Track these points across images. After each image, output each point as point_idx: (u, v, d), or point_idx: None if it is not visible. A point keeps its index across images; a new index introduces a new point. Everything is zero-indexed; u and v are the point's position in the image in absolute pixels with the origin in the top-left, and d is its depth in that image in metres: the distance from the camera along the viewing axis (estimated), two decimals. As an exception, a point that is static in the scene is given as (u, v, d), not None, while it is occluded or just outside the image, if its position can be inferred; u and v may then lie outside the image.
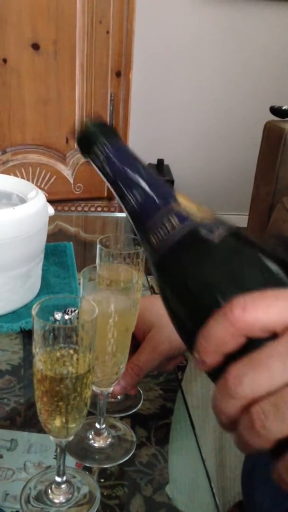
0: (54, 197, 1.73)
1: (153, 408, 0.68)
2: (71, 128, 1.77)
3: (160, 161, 2.70)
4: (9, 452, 0.59)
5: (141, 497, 0.55)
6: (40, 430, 0.50)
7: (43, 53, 1.68)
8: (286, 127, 1.83)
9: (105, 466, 0.58)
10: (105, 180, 0.44)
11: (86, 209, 1.87)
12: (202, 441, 0.62)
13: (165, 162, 2.72)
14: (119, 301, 0.53)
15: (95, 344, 0.48)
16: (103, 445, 0.60)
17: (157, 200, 0.41)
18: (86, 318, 0.48)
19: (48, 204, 0.86)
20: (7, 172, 1.73)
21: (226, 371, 0.33)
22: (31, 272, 0.83)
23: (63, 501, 0.52)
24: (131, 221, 0.43)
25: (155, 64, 2.60)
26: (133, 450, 0.60)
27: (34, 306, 0.46)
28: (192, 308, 0.37)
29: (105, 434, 0.61)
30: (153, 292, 0.96)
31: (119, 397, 0.68)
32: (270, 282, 0.36)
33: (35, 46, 1.67)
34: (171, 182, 2.61)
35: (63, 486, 0.53)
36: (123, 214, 1.36)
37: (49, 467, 0.57)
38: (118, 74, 1.78)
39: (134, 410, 0.67)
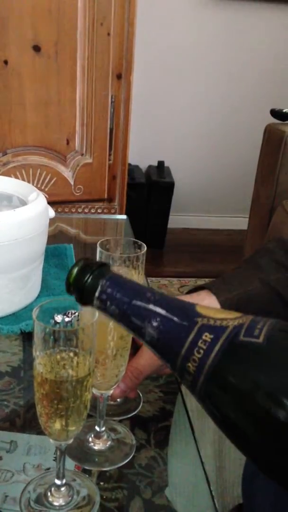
0: (54, 199, 1.73)
1: (153, 411, 0.68)
2: (72, 130, 1.78)
3: (161, 163, 2.70)
4: (8, 454, 0.59)
5: (141, 499, 0.55)
6: (40, 432, 0.50)
7: (44, 55, 1.68)
8: (287, 130, 1.84)
9: (104, 469, 0.58)
10: (113, 319, 0.40)
11: (86, 211, 1.87)
12: (202, 444, 0.63)
13: (166, 164, 2.72)
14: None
15: (95, 347, 0.48)
16: (103, 448, 0.60)
17: (182, 323, 0.36)
18: (86, 321, 0.48)
19: (48, 206, 0.86)
20: (7, 173, 1.73)
21: None
22: (31, 274, 0.83)
23: (63, 503, 0.52)
24: (158, 354, 0.38)
25: (156, 66, 2.60)
26: (133, 453, 0.60)
27: (34, 309, 0.46)
28: (262, 421, 0.32)
29: (105, 437, 0.61)
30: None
31: (118, 400, 0.68)
32: None
33: (36, 48, 1.67)
34: (172, 184, 2.61)
35: (62, 489, 0.53)
36: (124, 216, 1.36)
37: (48, 469, 0.57)
38: (119, 77, 1.78)
39: (134, 413, 0.67)
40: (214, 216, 2.94)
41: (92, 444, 0.60)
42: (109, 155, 1.86)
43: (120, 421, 0.65)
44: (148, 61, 2.53)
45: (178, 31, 2.57)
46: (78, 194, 1.85)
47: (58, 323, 0.48)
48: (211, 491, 0.56)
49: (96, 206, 1.88)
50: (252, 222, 2.06)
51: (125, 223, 1.31)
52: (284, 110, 1.97)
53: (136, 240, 0.65)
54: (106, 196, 1.89)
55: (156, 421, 0.66)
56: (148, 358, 0.62)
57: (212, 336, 0.35)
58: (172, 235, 2.74)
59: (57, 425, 0.48)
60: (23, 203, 0.85)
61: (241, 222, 2.61)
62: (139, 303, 0.38)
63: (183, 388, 0.82)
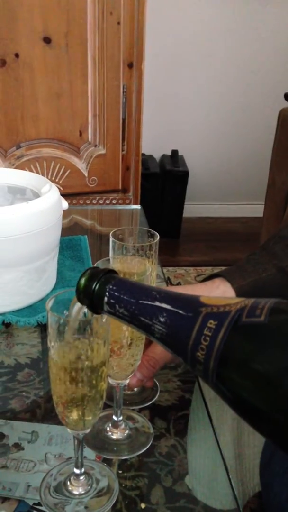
0: (68, 191, 1.73)
1: (172, 400, 0.68)
2: (85, 121, 1.77)
3: (175, 152, 2.68)
4: (30, 444, 0.59)
5: (161, 487, 0.55)
6: (60, 422, 0.51)
7: (55, 46, 1.68)
8: (302, 114, 1.81)
9: (123, 458, 0.58)
10: (124, 322, 0.41)
11: (101, 202, 1.87)
12: (220, 431, 0.62)
13: (180, 153, 2.71)
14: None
15: (109, 337, 0.49)
16: (121, 437, 0.60)
17: (188, 315, 0.38)
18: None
19: (62, 198, 0.86)
20: (21, 166, 1.74)
21: None
22: (46, 266, 0.83)
23: (82, 492, 0.53)
24: (169, 349, 0.40)
25: (167, 54, 2.58)
26: (151, 441, 0.60)
27: (48, 300, 0.47)
28: (272, 395, 0.33)
29: (123, 426, 0.61)
30: (169, 284, 0.96)
31: (135, 389, 0.68)
32: None
33: (47, 40, 1.67)
34: (186, 173, 2.59)
35: (81, 478, 0.53)
36: (138, 206, 1.35)
37: (69, 458, 0.57)
38: (130, 66, 1.77)
39: (151, 402, 0.67)
40: (229, 204, 2.92)
41: (110, 433, 0.61)
42: (122, 145, 1.85)
43: (139, 410, 0.65)
44: (159, 50, 2.51)
45: (188, 17, 2.53)
46: (92, 185, 1.85)
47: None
48: (229, 479, 0.56)
49: (110, 197, 1.88)
50: (267, 209, 2.04)
51: (140, 213, 1.31)
52: (298, 94, 1.94)
53: (149, 229, 0.64)
54: (120, 186, 1.89)
55: (175, 410, 0.66)
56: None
57: (216, 322, 0.36)
58: (188, 224, 2.72)
59: (74, 414, 0.49)
60: (36, 195, 0.86)
61: (256, 209, 2.59)
62: (145, 302, 0.40)
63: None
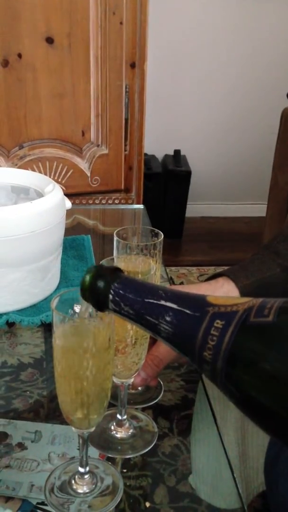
0: (71, 191, 1.73)
1: (175, 399, 0.68)
2: (87, 121, 1.77)
3: (177, 152, 2.69)
4: (33, 444, 0.60)
5: (165, 487, 0.55)
6: (63, 422, 0.51)
7: (58, 46, 1.68)
8: (304, 114, 1.81)
9: (127, 457, 0.58)
10: (129, 321, 0.41)
11: (103, 201, 1.87)
12: (224, 431, 0.62)
13: (182, 153, 2.71)
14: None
15: (114, 336, 0.49)
16: (125, 435, 0.61)
17: (194, 315, 0.37)
18: (105, 310, 0.48)
19: (65, 197, 0.86)
20: (24, 166, 1.74)
21: None
22: (50, 265, 0.83)
23: (87, 491, 0.53)
24: (175, 349, 0.39)
25: (170, 54, 2.58)
26: (155, 440, 0.60)
27: (53, 299, 0.47)
28: (280, 394, 0.33)
29: (127, 425, 0.61)
30: (172, 283, 0.96)
31: (139, 388, 0.68)
32: None
33: (49, 40, 1.67)
34: (188, 172, 2.59)
35: (86, 476, 0.53)
36: (141, 206, 1.35)
37: (73, 458, 0.57)
38: (132, 66, 1.77)
39: (155, 401, 0.67)
40: (232, 203, 2.91)
41: (114, 432, 0.61)
42: (125, 145, 1.85)
43: (143, 409, 0.65)
44: (161, 50, 2.51)
45: (191, 17, 2.53)
46: (95, 185, 1.85)
47: (77, 313, 0.48)
48: (234, 478, 0.56)
49: (113, 197, 1.88)
50: (270, 209, 2.04)
51: (143, 213, 1.31)
52: (301, 94, 1.94)
53: (153, 228, 0.64)
54: (123, 186, 1.89)
55: (178, 409, 0.66)
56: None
57: (223, 322, 0.36)
58: (190, 224, 2.72)
59: (79, 413, 0.49)
60: (39, 195, 0.86)
61: (259, 209, 2.59)
62: (151, 300, 0.39)
63: (204, 377, 0.82)
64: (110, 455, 0.58)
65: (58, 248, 0.86)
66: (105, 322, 0.46)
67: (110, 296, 0.41)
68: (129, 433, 0.61)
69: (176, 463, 0.58)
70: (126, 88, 1.79)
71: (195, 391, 0.70)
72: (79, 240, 1.03)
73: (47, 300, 0.84)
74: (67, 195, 0.87)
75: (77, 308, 0.49)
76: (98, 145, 1.82)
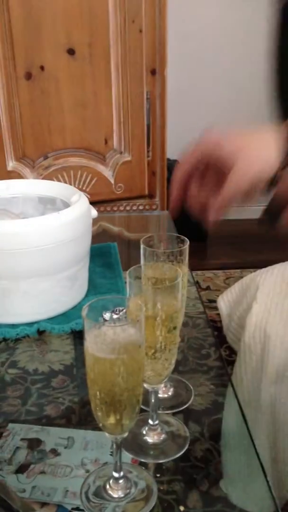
0: (96, 198, 1.75)
1: (205, 403, 0.68)
2: (110, 129, 1.79)
3: (199, 156, 2.68)
4: (66, 450, 0.60)
5: (197, 492, 0.55)
6: (95, 427, 0.51)
7: (79, 57, 1.70)
8: None
9: (160, 461, 0.59)
10: None
11: (128, 208, 1.88)
12: (255, 435, 0.62)
13: (205, 157, 2.70)
14: (165, 299, 0.54)
15: (144, 341, 0.49)
16: (157, 440, 0.61)
17: None
18: (134, 317, 0.49)
19: (91, 206, 0.87)
20: (49, 176, 1.77)
21: None
22: (78, 274, 0.84)
23: (122, 495, 0.53)
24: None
25: (190, 60, 2.58)
26: (187, 445, 0.61)
27: (84, 307, 0.48)
28: None
29: (159, 430, 0.62)
30: (198, 288, 0.96)
31: (169, 393, 0.69)
32: None
33: (71, 51, 1.69)
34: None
35: (121, 481, 0.54)
36: (165, 212, 1.36)
37: (105, 463, 0.58)
38: (153, 72, 1.78)
39: (186, 406, 0.67)
40: (255, 205, 2.89)
41: (146, 437, 0.61)
42: (148, 151, 1.87)
43: (173, 414, 0.66)
44: (181, 56, 2.51)
45: (210, 23, 2.54)
46: (119, 192, 1.86)
47: (107, 320, 0.49)
48: (268, 483, 0.55)
49: (137, 203, 1.90)
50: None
51: (167, 218, 1.31)
52: None
53: (179, 235, 0.65)
54: (147, 192, 1.90)
55: (209, 414, 0.66)
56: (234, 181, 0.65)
57: None
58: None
59: (112, 419, 0.49)
60: (66, 205, 0.87)
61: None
62: None
63: (234, 380, 0.82)
64: (143, 460, 0.59)
65: (86, 256, 0.87)
66: (136, 328, 0.47)
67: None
68: (161, 438, 0.61)
69: (208, 468, 0.58)
70: (147, 94, 1.80)
71: (224, 395, 0.71)
72: (106, 248, 1.04)
73: (76, 308, 0.85)
74: (92, 202, 0.88)
75: (106, 316, 0.50)
76: (121, 152, 1.84)
